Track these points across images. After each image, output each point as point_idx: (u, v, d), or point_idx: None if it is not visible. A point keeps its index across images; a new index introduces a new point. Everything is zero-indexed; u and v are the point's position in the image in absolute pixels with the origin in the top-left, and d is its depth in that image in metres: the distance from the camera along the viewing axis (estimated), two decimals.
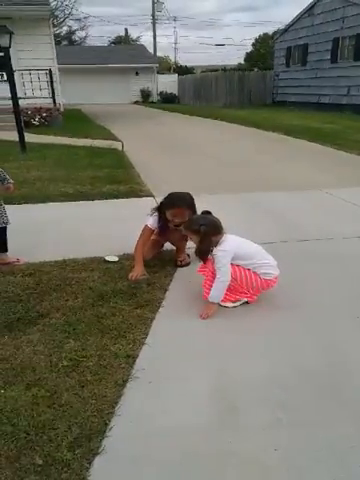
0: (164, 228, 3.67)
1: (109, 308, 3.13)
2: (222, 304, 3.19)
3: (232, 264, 3.10)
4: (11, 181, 3.73)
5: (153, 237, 3.74)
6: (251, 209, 5.43)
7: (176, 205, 3.53)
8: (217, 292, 3.09)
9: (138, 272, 3.48)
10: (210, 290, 3.11)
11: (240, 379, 2.47)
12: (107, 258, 3.87)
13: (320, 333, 2.89)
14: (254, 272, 3.14)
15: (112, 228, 4.60)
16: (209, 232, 3.06)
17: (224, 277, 3.06)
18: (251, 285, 3.16)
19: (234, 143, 11.11)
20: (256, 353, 2.70)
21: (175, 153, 9.50)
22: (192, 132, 13.61)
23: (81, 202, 5.45)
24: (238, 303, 3.22)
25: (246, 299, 3.22)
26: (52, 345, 2.72)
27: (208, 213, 3.21)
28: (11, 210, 5.12)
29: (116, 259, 3.85)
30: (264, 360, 2.63)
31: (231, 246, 3.09)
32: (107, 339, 2.79)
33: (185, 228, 3.25)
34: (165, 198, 3.64)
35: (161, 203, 3.64)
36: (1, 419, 2.14)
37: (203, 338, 2.86)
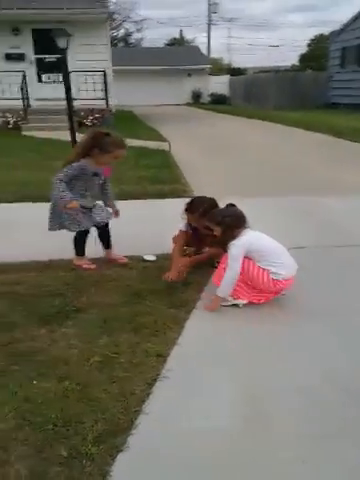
0: (195, 233, 3.67)
1: (144, 306, 3.15)
2: (233, 301, 3.17)
3: (245, 258, 3.07)
4: (117, 208, 3.86)
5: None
6: (297, 212, 5.31)
7: (189, 211, 3.55)
8: (224, 285, 3.08)
9: (173, 275, 3.46)
10: (220, 280, 3.11)
11: (270, 386, 2.42)
12: (145, 257, 3.90)
13: (357, 343, 2.79)
14: (264, 269, 3.08)
15: (153, 227, 4.64)
16: (231, 224, 3.07)
17: (232, 270, 3.05)
18: (257, 281, 3.10)
19: (283, 145, 10.94)
20: (288, 360, 2.64)
21: (222, 154, 9.46)
22: (240, 133, 13.51)
23: (126, 201, 5.52)
24: (241, 302, 3.18)
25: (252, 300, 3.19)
26: (86, 340, 2.77)
27: (232, 206, 3.20)
28: None
29: (154, 258, 3.87)
30: (296, 368, 2.56)
31: (243, 240, 3.06)
32: (140, 337, 2.81)
33: (208, 220, 3.24)
34: (187, 203, 3.63)
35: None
36: (32, 409, 2.20)
37: (236, 341, 2.82)
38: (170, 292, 3.34)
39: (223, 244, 3.13)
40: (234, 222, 3.08)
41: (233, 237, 3.06)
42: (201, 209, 3.47)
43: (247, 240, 3.08)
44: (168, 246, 3.77)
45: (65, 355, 2.63)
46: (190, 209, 3.56)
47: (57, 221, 3.62)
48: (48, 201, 5.42)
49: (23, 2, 13.11)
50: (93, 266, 3.74)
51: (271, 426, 2.14)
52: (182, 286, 3.42)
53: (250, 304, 3.18)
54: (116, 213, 3.82)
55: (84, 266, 3.72)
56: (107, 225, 3.81)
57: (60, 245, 3.81)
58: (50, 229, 3.66)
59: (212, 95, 32.16)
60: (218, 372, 2.53)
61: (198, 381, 2.46)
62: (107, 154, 3.42)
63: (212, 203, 3.54)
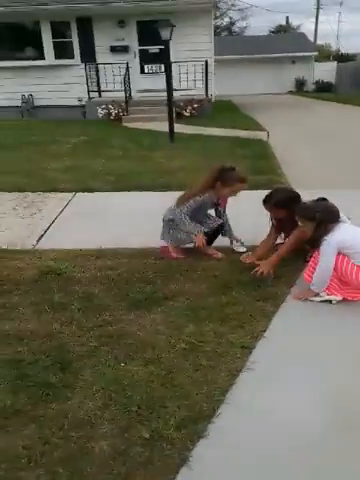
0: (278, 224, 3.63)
1: (231, 297, 3.14)
2: (326, 297, 3.05)
3: (338, 254, 2.94)
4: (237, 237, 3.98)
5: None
6: None
7: (264, 201, 3.55)
8: (317, 280, 3.00)
9: (263, 269, 3.36)
10: (311, 276, 3.04)
11: (358, 390, 2.30)
12: (235, 248, 3.87)
13: None
14: (358, 266, 2.92)
15: (244, 219, 4.57)
16: (324, 219, 2.94)
17: (324, 267, 2.94)
18: (351, 278, 2.95)
19: None
20: None
21: (322, 144, 9.08)
22: (344, 123, 12.84)
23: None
24: (334, 298, 3.03)
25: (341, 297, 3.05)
26: (173, 327, 2.83)
27: (324, 200, 3.07)
28: (155, 197, 5.45)
29: (244, 250, 3.83)
30: None
31: (337, 237, 2.92)
32: (226, 328, 2.80)
33: (299, 215, 3.14)
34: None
35: None
36: (118, 390, 2.29)
37: (326, 339, 2.72)
38: (258, 284, 3.29)
39: (315, 240, 3.03)
40: (327, 217, 2.96)
41: (326, 233, 2.94)
42: (273, 200, 3.48)
43: (341, 236, 2.94)
44: (260, 238, 3.71)
45: (152, 340, 2.70)
46: (265, 200, 3.57)
47: (170, 239, 3.79)
48: (142, 190, 5.64)
49: None
50: (182, 256, 3.79)
51: (356, 433, 2.03)
52: (271, 279, 3.34)
53: (344, 301, 3.04)
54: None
55: (173, 255, 3.78)
56: (219, 229, 3.87)
57: (153, 233, 3.90)
58: (162, 239, 3.85)
59: (317, 83, 30.85)
60: (304, 369, 2.46)
61: (283, 376, 2.41)
62: (228, 187, 3.61)
63: (288, 194, 3.53)
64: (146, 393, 2.27)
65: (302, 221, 3.15)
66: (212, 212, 3.93)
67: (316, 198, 3.12)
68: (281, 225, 3.61)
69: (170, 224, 3.74)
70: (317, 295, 3.06)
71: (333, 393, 2.27)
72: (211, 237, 3.81)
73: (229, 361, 2.51)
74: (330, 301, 3.04)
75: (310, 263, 3.12)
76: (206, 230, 3.70)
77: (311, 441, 1.99)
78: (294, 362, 2.52)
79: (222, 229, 3.87)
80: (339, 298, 3.03)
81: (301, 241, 3.38)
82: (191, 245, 3.78)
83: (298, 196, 3.46)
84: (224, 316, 2.92)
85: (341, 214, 3.10)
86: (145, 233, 4.11)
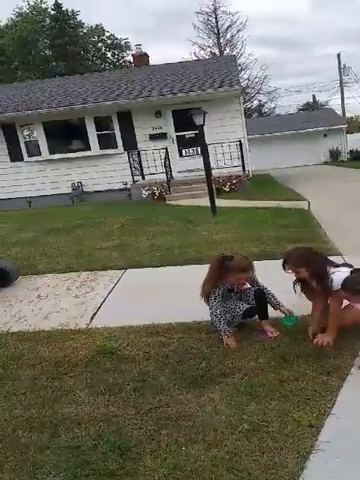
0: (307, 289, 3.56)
1: (292, 372, 3.00)
2: None
3: None
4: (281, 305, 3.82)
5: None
6: None
7: (285, 263, 3.51)
8: None
9: (324, 340, 3.25)
10: None
11: None
12: (286, 322, 3.71)
13: None
14: None
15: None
16: None
17: None
18: None
19: None
20: None
21: None
22: None
23: (265, 261, 5.45)
24: None
25: None
26: (233, 406, 2.70)
27: (350, 266, 3.24)
28: (201, 270, 5.44)
29: (294, 321, 3.68)
30: None
31: None
32: (289, 405, 2.66)
33: (344, 290, 3.11)
34: None
35: None
36: (181, 477, 2.17)
37: None
38: (319, 357, 3.13)
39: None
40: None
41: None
42: (292, 259, 3.48)
43: None
44: (307, 308, 3.62)
45: (213, 421, 2.58)
46: (283, 263, 3.52)
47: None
48: (190, 264, 5.68)
49: (165, 89, 14.81)
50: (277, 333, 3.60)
51: None
52: (333, 351, 3.19)
53: None
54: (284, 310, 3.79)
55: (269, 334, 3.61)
56: (263, 296, 3.73)
57: (204, 306, 3.85)
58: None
59: (351, 152, 31.36)
60: None
61: (357, 456, 2.22)
62: (230, 277, 3.63)
63: (304, 251, 3.60)
64: (211, 479, 2.13)
65: (298, 271, 3.31)
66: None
67: (344, 263, 3.13)
68: (307, 287, 3.52)
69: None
70: None
71: None
72: (258, 310, 3.69)
73: (297, 441, 2.35)
74: None
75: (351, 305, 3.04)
76: (237, 320, 3.69)
77: None
78: None
79: (261, 304, 3.70)
80: None
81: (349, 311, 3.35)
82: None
83: (313, 251, 3.56)
84: (286, 392, 2.77)
85: None
86: (196, 307, 4.05)
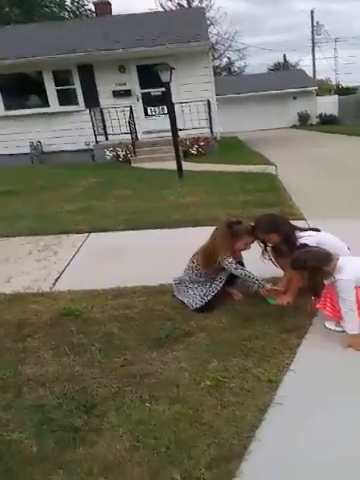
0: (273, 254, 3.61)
1: (253, 331, 3.09)
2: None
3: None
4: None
5: None
6: None
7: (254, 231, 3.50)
8: (350, 323, 2.85)
9: (285, 300, 3.37)
10: (331, 312, 2.96)
11: None
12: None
13: None
14: None
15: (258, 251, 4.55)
16: (316, 265, 2.89)
17: (350, 307, 2.82)
18: None
19: None
20: None
21: (330, 175, 9.11)
22: (351, 153, 12.94)
23: None
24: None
25: None
26: (196, 363, 2.78)
27: (317, 230, 3.29)
28: (167, 234, 5.48)
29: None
30: None
31: (352, 273, 2.84)
32: (250, 362, 2.75)
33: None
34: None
35: None
36: (145, 432, 2.23)
37: (354, 369, 2.64)
38: (280, 316, 3.24)
39: (315, 287, 3.02)
40: (318, 263, 2.90)
41: (327, 275, 2.90)
42: (261, 227, 3.46)
43: (356, 269, 2.89)
44: (272, 272, 3.68)
45: (176, 378, 2.65)
46: (253, 231, 3.51)
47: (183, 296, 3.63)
48: (156, 228, 5.68)
49: (128, 42, 13.93)
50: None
51: None
52: (293, 311, 3.30)
53: None
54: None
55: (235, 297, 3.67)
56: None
57: (169, 269, 3.89)
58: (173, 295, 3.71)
59: (320, 116, 31.38)
60: (336, 403, 2.39)
61: (314, 411, 2.34)
62: (239, 241, 3.50)
63: (271, 217, 3.60)
64: (174, 433, 2.21)
65: (300, 273, 3.18)
66: None
67: (310, 227, 3.18)
68: (278, 252, 3.58)
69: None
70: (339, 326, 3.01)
71: None
72: (232, 277, 3.69)
73: (257, 396, 2.44)
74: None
75: (324, 297, 3.01)
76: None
77: (347, 473, 1.91)
78: (323, 395, 2.45)
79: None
80: None
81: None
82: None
83: (281, 216, 3.62)
84: (247, 350, 2.87)
85: (343, 244, 3.23)
86: (161, 270, 4.09)
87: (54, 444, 2.17)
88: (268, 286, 3.41)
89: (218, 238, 3.47)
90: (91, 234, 5.69)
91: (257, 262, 3.57)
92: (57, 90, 14.33)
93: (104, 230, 5.81)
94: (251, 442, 2.12)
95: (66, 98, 14.40)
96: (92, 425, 2.29)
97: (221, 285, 3.52)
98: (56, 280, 4.32)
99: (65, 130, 14.37)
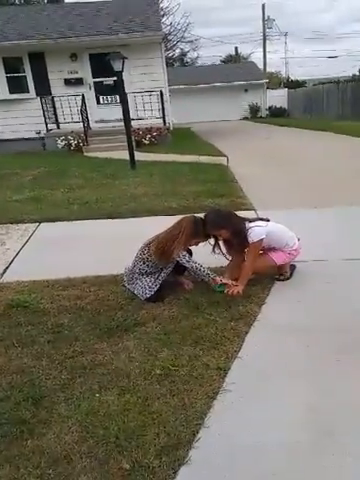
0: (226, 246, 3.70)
1: (203, 319, 3.13)
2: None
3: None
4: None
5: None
6: (352, 223, 5.11)
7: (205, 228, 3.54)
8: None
9: (235, 289, 3.42)
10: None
11: (337, 402, 2.32)
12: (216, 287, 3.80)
13: None
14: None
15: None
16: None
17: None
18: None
19: (346, 157, 10.60)
20: (355, 376, 2.52)
21: (280, 167, 9.31)
22: (300, 146, 13.27)
23: (182, 216, 5.52)
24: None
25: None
26: (147, 353, 2.79)
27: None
28: (119, 224, 5.44)
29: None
30: None
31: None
32: (200, 350, 2.79)
33: (209, 231, 3.48)
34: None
35: None
36: (94, 422, 2.23)
37: (300, 355, 2.74)
38: (230, 305, 3.30)
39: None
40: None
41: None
42: (210, 223, 3.50)
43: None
44: (219, 261, 3.73)
45: (126, 368, 2.65)
46: (204, 225, 3.53)
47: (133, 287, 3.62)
48: (108, 218, 5.63)
49: (80, 30, 13.76)
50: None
51: (340, 445, 2.04)
52: (242, 299, 3.37)
53: (315, 324, 3.07)
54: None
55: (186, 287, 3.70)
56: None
57: (121, 259, 3.86)
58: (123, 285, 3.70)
59: (270, 109, 31.95)
60: (282, 387, 2.46)
61: (261, 396, 2.41)
62: (196, 239, 3.53)
63: (220, 213, 3.72)
64: (123, 423, 2.21)
65: (220, 233, 3.49)
66: None
67: (259, 218, 3.65)
68: (229, 245, 3.64)
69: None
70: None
71: (310, 408, 2.28)
72: (181, 268, 3.71)
73: (205, 384, 2.48)
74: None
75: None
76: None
77: (292, 457, 1.98)
78: (270, 380, 2.52)
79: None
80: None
81: (262, 260, 3.57)
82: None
83: (228, 211, 3.77)
84: (197, 338, 2.91)
85: (292, 234, 3.64)
86: (113, 260, 4.07)
87: (1, 438, 2.13)
88: (218, 279, 3.46)
89: (181, 233, 3.43)
90: (41, 224, 5.58)
91: (205, 253, 3.61)
92: (7, 77, 13.91)
93: (55, 220, 5.71)
94: (200, 429, 2.16)
95: (17, 86, 14.00)
96: (40, 417, 2.27)
97: (166, 275, 3.54)
98: (4, 271, 4.21)
99: (15, 118, 13.92)
